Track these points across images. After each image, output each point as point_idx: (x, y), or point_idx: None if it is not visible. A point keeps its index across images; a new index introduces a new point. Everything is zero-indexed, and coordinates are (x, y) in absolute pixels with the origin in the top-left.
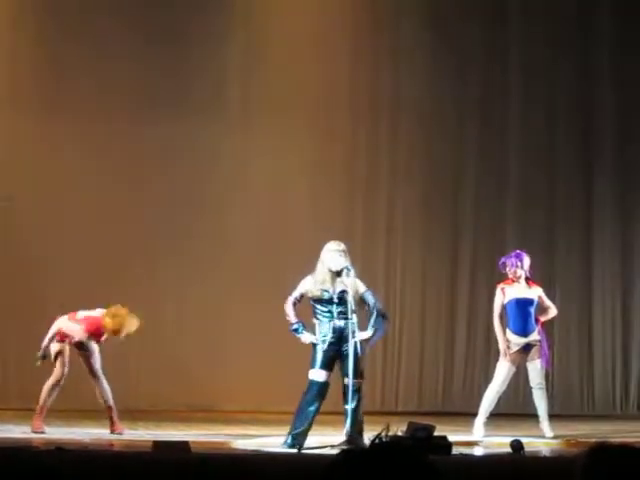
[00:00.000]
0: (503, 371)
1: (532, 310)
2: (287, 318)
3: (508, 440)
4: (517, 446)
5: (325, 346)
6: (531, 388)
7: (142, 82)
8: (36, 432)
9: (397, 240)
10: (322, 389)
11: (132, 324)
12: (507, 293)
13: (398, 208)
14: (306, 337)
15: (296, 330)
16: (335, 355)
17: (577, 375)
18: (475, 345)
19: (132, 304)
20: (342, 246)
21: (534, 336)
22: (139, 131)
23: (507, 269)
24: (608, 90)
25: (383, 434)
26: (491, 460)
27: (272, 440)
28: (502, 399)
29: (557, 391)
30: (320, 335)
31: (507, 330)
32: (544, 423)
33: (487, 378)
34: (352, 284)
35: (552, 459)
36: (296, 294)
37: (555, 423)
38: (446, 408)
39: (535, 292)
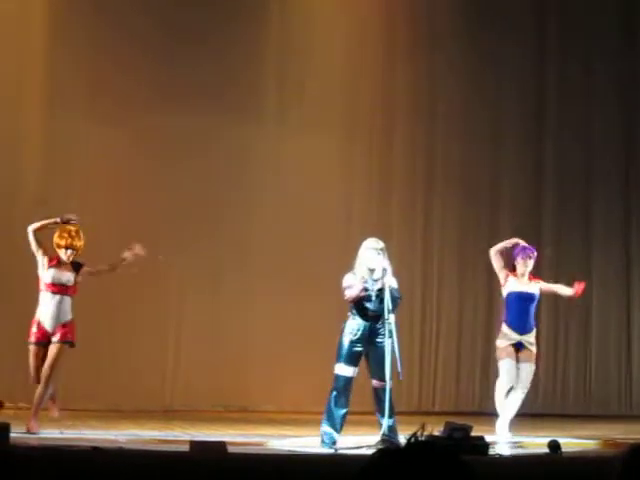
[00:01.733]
0: (504, 369)
1: (532, 308)
2: (356, 292)
3: (545, 440)
4: (554, 446)
5: (353, 341)
6: (513, 388)
7: (175, 80)
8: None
9: (433, 243)
10: (348, 384)
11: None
12: (510, 284)
13: (435, 209)
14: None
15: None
16: (361, 352)
17: (615, 376)
18: None
19: (164, 305)
20: (380, 244)
21: (529, 338)
22: (171, 129)
23: (519, 259)
24: None
25: (419, 433)
26: (528, 460)
27: (308, 440)
28: (540, 400)
29: (594, 392)
30: (349, 330)
31: (503, 324)
32: (505, 423)
33: None
34: (389, 283)
35: (589, 460)
36: (354, 291)
37: (592, 424)
38: (483, 408)
39: (536, 286)
